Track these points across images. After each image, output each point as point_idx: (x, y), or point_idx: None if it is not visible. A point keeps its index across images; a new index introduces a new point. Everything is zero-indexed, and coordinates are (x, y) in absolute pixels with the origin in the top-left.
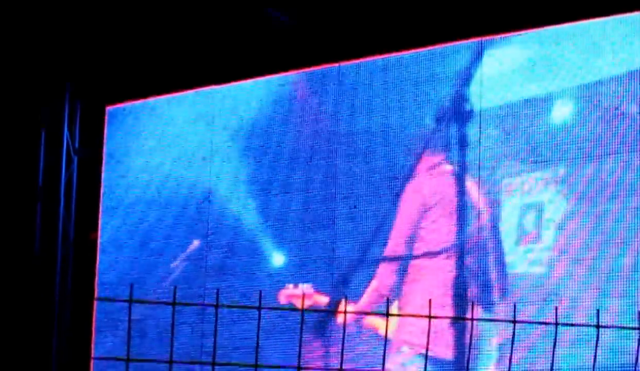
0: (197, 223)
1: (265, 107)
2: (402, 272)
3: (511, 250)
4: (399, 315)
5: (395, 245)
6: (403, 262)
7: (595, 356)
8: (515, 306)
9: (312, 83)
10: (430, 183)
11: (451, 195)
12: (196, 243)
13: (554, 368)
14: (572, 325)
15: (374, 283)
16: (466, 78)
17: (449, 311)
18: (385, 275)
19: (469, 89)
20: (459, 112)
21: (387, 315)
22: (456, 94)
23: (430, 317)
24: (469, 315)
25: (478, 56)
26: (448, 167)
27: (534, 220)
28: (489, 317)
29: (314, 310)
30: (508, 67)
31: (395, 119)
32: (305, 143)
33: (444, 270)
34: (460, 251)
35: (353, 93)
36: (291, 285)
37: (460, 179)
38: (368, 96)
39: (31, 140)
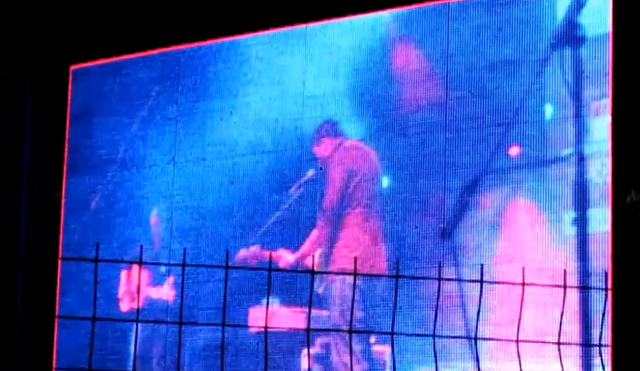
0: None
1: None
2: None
3: None
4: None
5: (330, 199)
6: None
7: (561, 316)
8: (482, 267)
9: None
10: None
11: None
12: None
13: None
14: (538, 285)
15: (314, 233)
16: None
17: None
18: (323, 226)
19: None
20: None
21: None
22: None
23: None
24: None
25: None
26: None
27: None
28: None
29: (281, 269)
30: None
31: None
32: (272, 105)
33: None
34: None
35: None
36: (243, 249)
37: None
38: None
39: None
